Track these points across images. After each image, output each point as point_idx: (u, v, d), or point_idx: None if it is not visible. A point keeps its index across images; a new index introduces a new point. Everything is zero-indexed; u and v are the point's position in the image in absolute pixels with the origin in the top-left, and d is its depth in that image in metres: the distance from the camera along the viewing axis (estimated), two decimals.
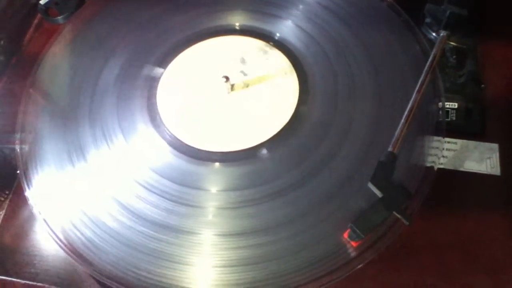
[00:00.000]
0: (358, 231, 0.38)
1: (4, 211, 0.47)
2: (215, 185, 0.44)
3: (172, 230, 0.41)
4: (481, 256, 0.42)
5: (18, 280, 0.43)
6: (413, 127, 0.42)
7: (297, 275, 0.39)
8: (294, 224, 0.41)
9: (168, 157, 0.45)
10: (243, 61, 0.50)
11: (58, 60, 0.53)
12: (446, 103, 0.47)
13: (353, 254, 0.39)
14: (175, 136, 0.46)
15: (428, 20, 0.53)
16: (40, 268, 0.44)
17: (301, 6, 0.53)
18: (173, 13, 0.54)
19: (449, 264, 0.42)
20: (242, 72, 0.49)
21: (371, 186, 0.39)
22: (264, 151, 0.44)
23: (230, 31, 0.52)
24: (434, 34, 0.53)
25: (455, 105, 0.48)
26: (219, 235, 0.41)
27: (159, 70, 0.50)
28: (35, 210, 0.43)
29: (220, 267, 0.40)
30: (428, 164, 0.42)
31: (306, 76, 0.48)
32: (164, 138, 0.46)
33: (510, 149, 0.47)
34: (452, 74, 0.50)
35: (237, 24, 0.53)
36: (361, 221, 0.38)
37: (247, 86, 0.48)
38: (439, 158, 0.43)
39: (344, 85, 0.47)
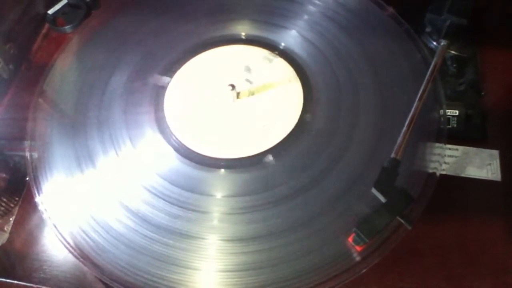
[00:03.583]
0: (362, 235, 0.38)
1: (14, 217, 0.48)
2: (220, 190, 0.44)
3: (178, 234, 0.42)
4: (483, 259, 0.43)
5: (29, 285, 0.44)
6: (415, 134, 0.43)
7: (302, 279, 0.39)
8: (299, 229, 0.41)
9: (175, 163, 0.46)
10: (248, 69, 0.51)
11: (66, 69, 0.54)
12: (447, 110, 0.48)
13: (357, 258, 0.40)
14: (182, 143, 0.47)
15: (428, 29, 0.54)
16: (50, 273, 0.45)
17: (305, 17, 0.54)
18: (180, 22, 0.56)
19: (452, 267, 0.43)
20: (247, 80, 0.50)
21: (374, 191, 0.40)
22: (270, 158, 0.45)
23: (236, 40, 0.54)
24: (434, 43, 0.54)
25: (456, 112, 0.49)
26: (224, 240, 0.42)
27: (166, 79, 0.51)
28: (45, 216, 0.44)
29: (225, 271, 0.40)
30: (430, 170, 0.43)
31: (310, 84, 0.49)
32: (171, 144, 0.47)
33: (510, 156, 0.48)
34: (452, 82, 0.51)
35: (243, 33, 0.54)
36: (365, 226, 0.39)
37: (253, 94, 0.49)
38: (441, 164, 0.44)
39: (347, 92, 0.48)
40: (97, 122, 0.49)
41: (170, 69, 0.52)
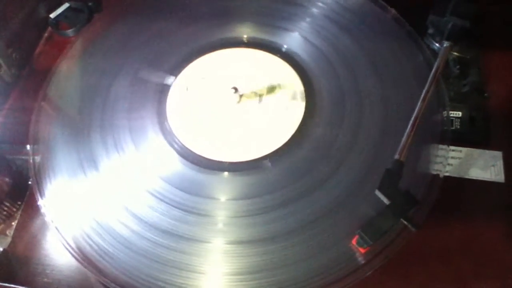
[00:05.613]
0: (366, 237, 0.38)
1: (16, 221, 0.48)
2: (224, 194, 0.44)
3: (182, 238, 0.42)
4: (487, 261, 0.43)
5: None
6: (419, 136, 0.43)
7: (306, 282, 0.39)
8: (303, 232, 0.41)
9: (178, 166, 0.46)
10: (251, 72, 0.51)
11: (69, 73, 0.54)
12: (450, 112, 0.48)
13: (361, 260, 0.39)
14: (184, 146, 0.47)
15: (431, 31, 0.54)
16: (52, 277, 0.44)
17: (308, 19, 0.54)
18: (182, 25, 0.56)
19: (456, 269, 0.42)
20: (250, 83, 0.50)
21: (378, 193, 0.40)
22: (268, 163, 0.45)
23: (238, 43, 0.54)
24: (437, 44, 0.53)
25: (459, 114, 0.49)
26: (228, 243, 0.42)
27: (170, 78, 0.51)
28: (48, 219, 0.44)
29: (229, 275, 0.40)
30: (434, 172, 0.43)
31: (313, 87, 0.49)
32: (174, 148, 0.47)
33: None
34: (455, 83, 0.51)
35: (245, 36, 0.54)
36: (369, 228, 0.39)
37: (255, 97, 0.49)
38: (444, 166, 0.44)
39: (350, 95, 0.48)
40: (100, 125, 0.49)
41: (173, 72, 0.52)
